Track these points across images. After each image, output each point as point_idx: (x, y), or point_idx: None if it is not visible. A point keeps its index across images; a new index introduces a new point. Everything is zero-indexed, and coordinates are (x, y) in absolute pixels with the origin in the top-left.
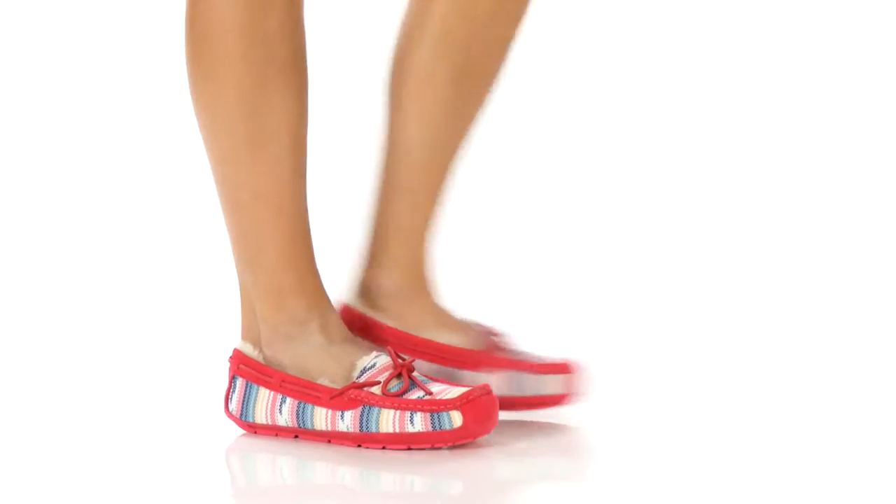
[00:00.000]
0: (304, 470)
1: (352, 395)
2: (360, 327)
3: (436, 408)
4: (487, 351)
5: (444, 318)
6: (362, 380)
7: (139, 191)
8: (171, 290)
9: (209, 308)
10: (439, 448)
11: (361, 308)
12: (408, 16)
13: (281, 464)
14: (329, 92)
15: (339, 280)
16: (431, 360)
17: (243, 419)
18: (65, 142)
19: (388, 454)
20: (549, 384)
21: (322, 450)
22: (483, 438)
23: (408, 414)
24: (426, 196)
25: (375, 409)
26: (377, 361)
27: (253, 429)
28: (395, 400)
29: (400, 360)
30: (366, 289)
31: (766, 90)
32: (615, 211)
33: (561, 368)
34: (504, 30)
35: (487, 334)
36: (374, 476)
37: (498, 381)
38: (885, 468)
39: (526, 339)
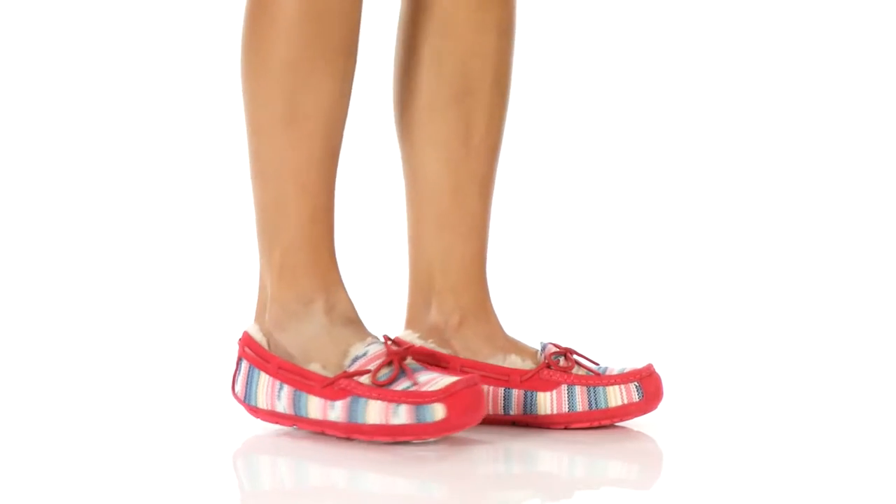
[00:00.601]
0: (299, 470)
1: (342, 385)
2: (434, 364)
3: (419, 400)
4: (555, 369)
5: (508, 343)
6: (353, 368)
7: (154, 183)
8: (189, 275)
9: (228, 292)
10: (426, 441)
11: (430, 345)
12: (399, 52)
13: (280, 464)
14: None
15: (398, 317)
16: (508, 386)
17: (247, 402)
18: (80, 134)
19: (381, 454)
20: (620, 395)
21: (317, 448)
22: (472, 438)
23: (392, 406)
24: (462, 222)
25: (363, 400)
26: (369, 350)
27: (255, 412)
28: (381, 391)
29: (394, 349)
30: (432, 327)
31: (767, 90)
32: (651, 219)
33: (627, 378)
34: (490, 39)
35: (551, 352)
36: (362, 477)
37: (570, 397)
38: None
39: (589, 352)
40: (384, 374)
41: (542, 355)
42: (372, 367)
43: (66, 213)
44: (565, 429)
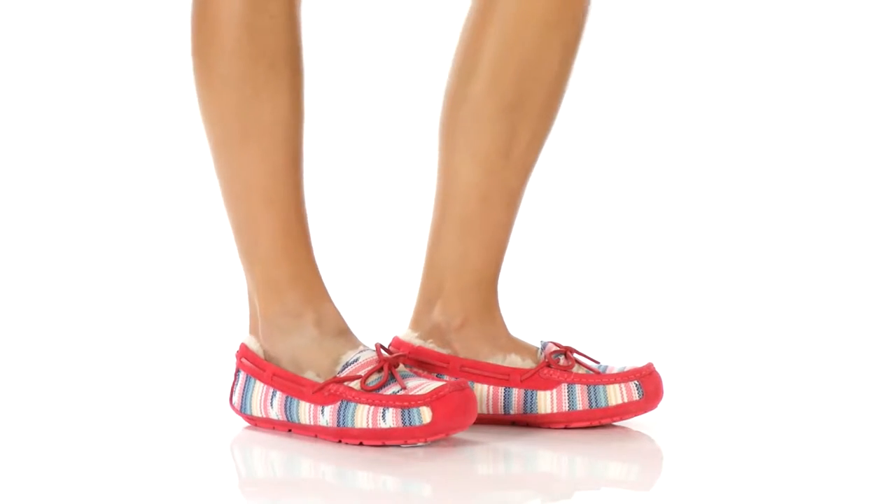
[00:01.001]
0: (291, 465)
1: (331, 390)
2: (430, 365)
3: (406, 404)
4: (555, 368)
5: (510, 343)
6: (343, 374)
7: (152, 187)
8: (190, 285)
9: (227, 303)
10: (413, 444)
11: (430, 345)
12: (458, 56)
13: (273, 458)
14: (333, 90)
15: (403, 318)
16: (508, 385)
17: (242, 411)
18: (85, 140)
19: (376, 453)
20: (620, 394)
21: (309, 445)
22: (472, 438)
23: (380, 410)
24: (484, 230)
25: (352, 405)
26: (360, 356)
27: (252, 420)
28: (369, 395)
29: (385, 355)
30: (434, 327)
31: (766, 91)
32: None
33: (627, 377)
34: (555, 57)
35: (551, 351)
36: (352, 474)
37: (570, 396)
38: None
39: (589, 350)
40: (374, 379)
41: (542, 354)
42: (362, 373)
43: (65, 220)
44: (565, 428)
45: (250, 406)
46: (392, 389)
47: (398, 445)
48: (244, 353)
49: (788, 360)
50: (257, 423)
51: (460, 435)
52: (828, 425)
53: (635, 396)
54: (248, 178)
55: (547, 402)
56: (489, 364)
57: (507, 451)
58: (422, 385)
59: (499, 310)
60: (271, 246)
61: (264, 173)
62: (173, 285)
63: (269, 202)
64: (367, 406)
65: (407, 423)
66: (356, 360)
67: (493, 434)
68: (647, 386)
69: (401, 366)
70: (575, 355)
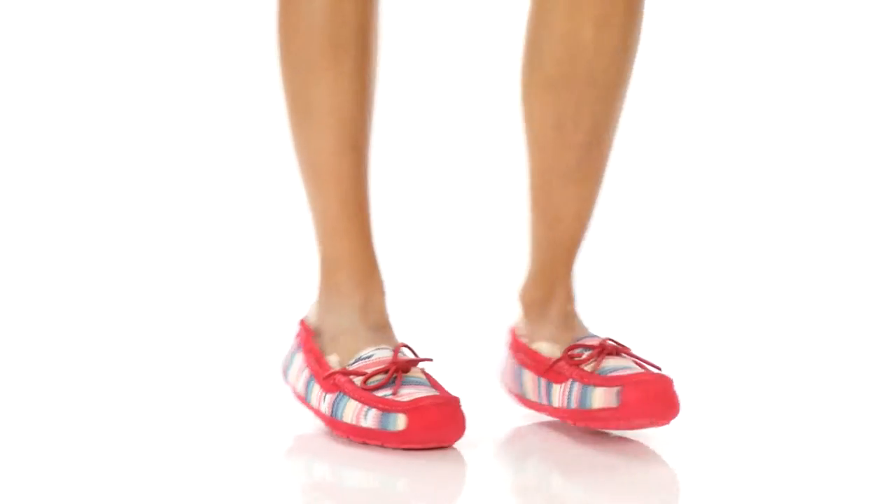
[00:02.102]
0: (287, 463)
1: (335, 380)
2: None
3: (387, 408)
4: (566, 362)
5: (558, 327)
6: (353, 367)
7: (163, 188)
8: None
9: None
10: (389, 448)
11: (542, 348)
12: (524, 45)
13: (270, 456)
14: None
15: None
16: (534, 372)
17: (285, 376)
18: (94, 137)
19: (363, 450)
20: (601, 398)
21: (304, 443)
22: (464, 438)
23: (364, 408)
24: (546, 208)
25: (345, 398)
26: (375, 353)
27: (290, 387)
28: (361, 393)
29: (402, 357)
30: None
31: (770, 92)
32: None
33: (613, 381)
34: (586, 30)
35: (572, 345)
36: (346, 472)
37: (570, 392)
38: None
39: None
40: (376, 379)
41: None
42: (370, 370)
43: (75, 221)
44: (574, 424)
45: (289, 374)
46: (384, 392)
47: (380, 446)
48: (303, 322)
49: (789, 362)
50: (292, 390)
51: (466, 437)
52: (827, 426)
53: (612, 403)
54: (308, 157)
55: (557, 395)
56: (529, 349)
57: (504, 452)
58: (412, 393)
59: (571, 294)
60: (332, 224)
61: (322, 154)
62: (194, 281)
63: (326, 182)
64: (356, 402)
65: (383, 427)
66: (370, 357)
67: (490, 435)
68: (628, 395)
69: (417, 370)
70: (624, 354)
